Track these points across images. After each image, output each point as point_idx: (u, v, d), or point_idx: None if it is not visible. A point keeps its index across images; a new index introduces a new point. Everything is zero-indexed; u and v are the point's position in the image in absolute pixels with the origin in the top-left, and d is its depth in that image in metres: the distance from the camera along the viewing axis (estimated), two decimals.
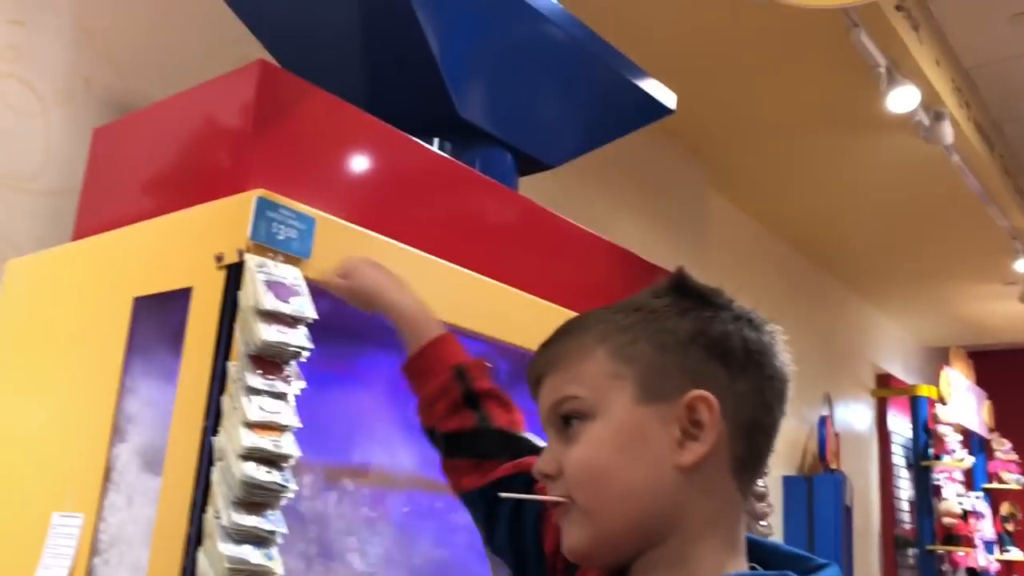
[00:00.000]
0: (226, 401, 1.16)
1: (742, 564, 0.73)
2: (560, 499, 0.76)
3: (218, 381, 1.19)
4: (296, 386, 1.21)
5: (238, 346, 1.19)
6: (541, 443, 1.01)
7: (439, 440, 1.07)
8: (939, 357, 6.67)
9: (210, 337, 1.21)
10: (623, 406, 0.74)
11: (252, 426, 1.14)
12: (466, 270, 1.54)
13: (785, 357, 0.77)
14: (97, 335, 1.43)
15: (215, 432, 1.16)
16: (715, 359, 0.74)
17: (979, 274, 5.51)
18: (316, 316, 1.23)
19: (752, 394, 0.74)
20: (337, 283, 1.22)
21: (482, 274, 1.57)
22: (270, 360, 1.19)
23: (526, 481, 0.95)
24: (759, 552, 0.76)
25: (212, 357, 1.20)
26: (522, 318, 1.60)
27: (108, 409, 1.34)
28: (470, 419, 1.03)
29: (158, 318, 1.36)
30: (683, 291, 0.78)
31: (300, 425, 1.19)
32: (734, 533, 0.74)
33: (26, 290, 1.64)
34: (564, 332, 0.82)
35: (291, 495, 1.16)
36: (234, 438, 1.13)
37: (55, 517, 1.36)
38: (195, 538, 1.13)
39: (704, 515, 0.73)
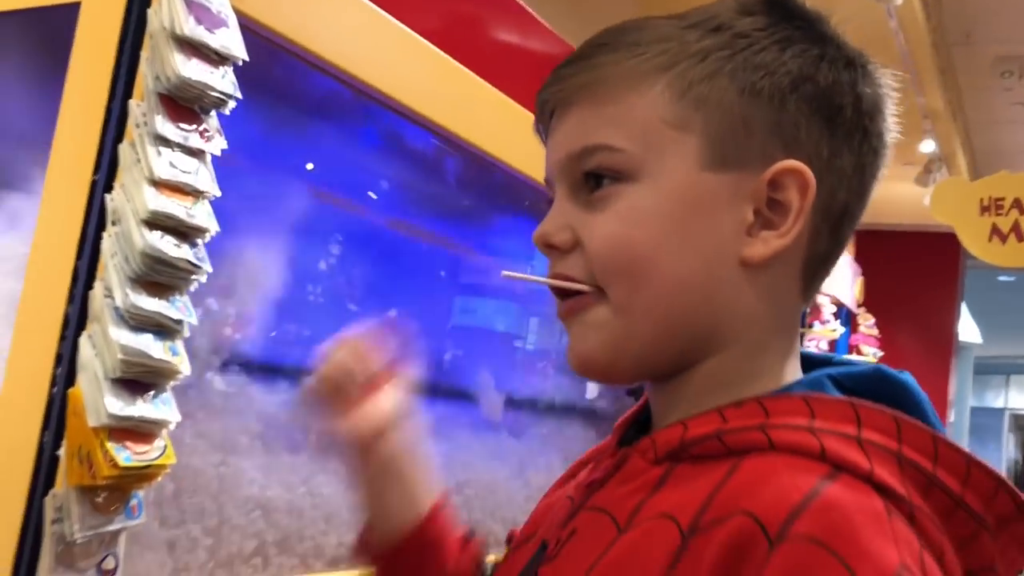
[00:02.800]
0: (125, 150, 0.90)
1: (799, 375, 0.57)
2: (581, 286, 0.54)
3: (114, 124, 0.91)
4: (216, 145, 0.95)
5: (144, 81, 0.91)
6: None
7: None
8: None
9: (105, 67, 0.92)
10: (682, 169, 0.53)
11: (159, 185, 0.88)
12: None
13: (892, 124, 0.58)
14: None
15: (108, 188, 0.90)
16: (819, 119, 0.53)
17: None
18: (246, 57, 0.96)
19: (854, 173, 0.55)
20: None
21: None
22: (185, 105, 0.92)
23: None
24: None
25: (108, 93, 0.92)
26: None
27: None
28: None
29: (28, 39, 1.05)
30: (783, 11, 0.55)
31: (219, 193, 0.94)
32: (795, 346, 0.57)
33: None
34: (603, 45, 0.56)
35: (203, 278, 0.92)
36: (135, 197, 0.87)
37: None
38: (76, 320, 0.89)
39: (767, 323, 0.55)
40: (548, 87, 0.58)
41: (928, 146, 5.05)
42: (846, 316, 7.14)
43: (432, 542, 0.70)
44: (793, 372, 0.56)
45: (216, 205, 0.94)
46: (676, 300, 0.53)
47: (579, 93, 0.55)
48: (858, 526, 0.43)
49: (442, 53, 1.33)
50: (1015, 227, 4.60)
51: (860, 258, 7.08)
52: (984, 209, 4.74)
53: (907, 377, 0.53)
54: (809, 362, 0.59)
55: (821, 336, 6.27)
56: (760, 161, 0.53)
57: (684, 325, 0.54)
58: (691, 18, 0.56)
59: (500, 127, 1.42)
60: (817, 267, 0.56)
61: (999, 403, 16.44)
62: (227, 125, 0.97)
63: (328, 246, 1.32)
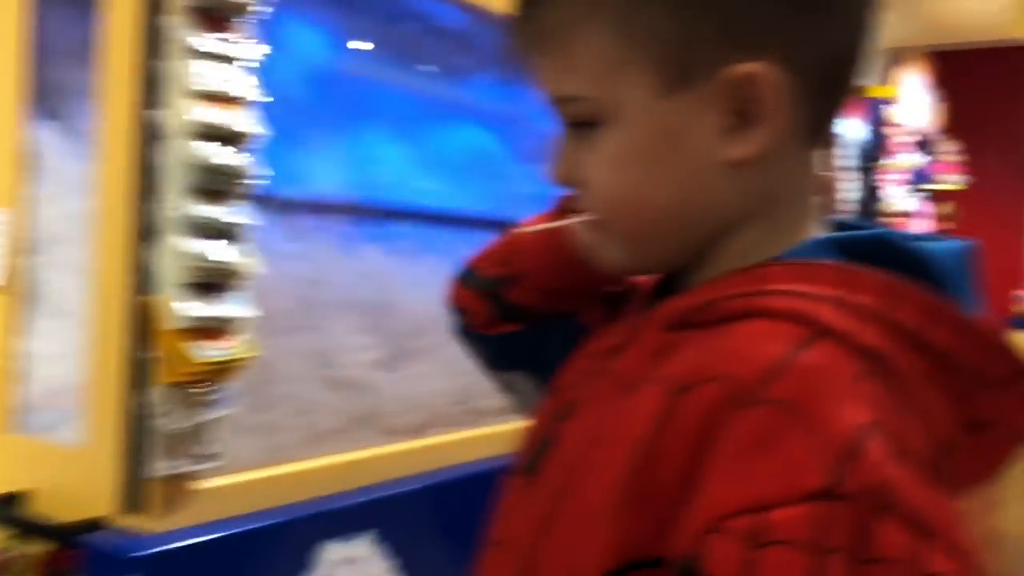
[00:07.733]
0: (164, 66, 0.93)
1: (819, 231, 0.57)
2: (589, 219, 0.58)
3: (151, 43, 0.94)
4: (253, 50, 0.98)
5: None
6: None
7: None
8: (897, 58, 6.51)
9: None
10: (641, 104, 0.53)
11: (200, 96, 0.92)
12: None
13: None
14: None
15: (155, 104, 0.94)
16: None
17: None
18: None
19: (836, 35, 0.53)
20: None
21: None
22: (217, 16, 0.95)
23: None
24: None
25: (143, 10, 0.95)
26: None
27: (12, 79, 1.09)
28: None
29: None
30: None
31: (261, 98, 0.97)
32: (807, 207, 0.57)
33: None
34: None
35: (256, 182, 0.97)
36: (179, 111, 0.92)
37: None
38: (145, 233, 0.95)
39: (771, 200, 0.56)
40: (514, 33, 0.58)
41: None
42: (926, 145, 6.89)
43: None
44: (801, 235, 0.56)
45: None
46: (676, 222, 0.55)
47: (533, 45, 0.56)
48: (824, 388, 0.44)
49: None
50: None
51: (939, 83, 6.76)
52: None
53: (916, 244, 0.52)
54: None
55: (899, 168, 6.08)
56: (718, 67, 0.51)
57: (691, 232, 0.56)
58: None
59: None
60: (818, 127, 0.55)
61: None
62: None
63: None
